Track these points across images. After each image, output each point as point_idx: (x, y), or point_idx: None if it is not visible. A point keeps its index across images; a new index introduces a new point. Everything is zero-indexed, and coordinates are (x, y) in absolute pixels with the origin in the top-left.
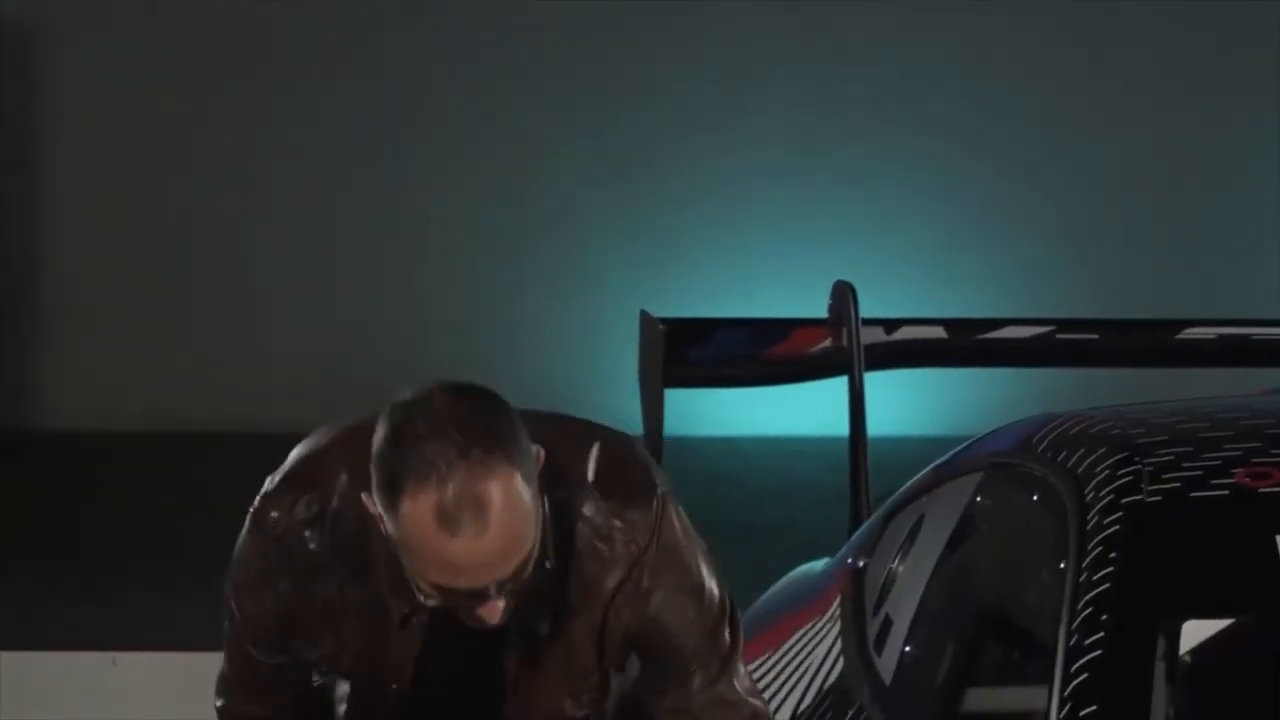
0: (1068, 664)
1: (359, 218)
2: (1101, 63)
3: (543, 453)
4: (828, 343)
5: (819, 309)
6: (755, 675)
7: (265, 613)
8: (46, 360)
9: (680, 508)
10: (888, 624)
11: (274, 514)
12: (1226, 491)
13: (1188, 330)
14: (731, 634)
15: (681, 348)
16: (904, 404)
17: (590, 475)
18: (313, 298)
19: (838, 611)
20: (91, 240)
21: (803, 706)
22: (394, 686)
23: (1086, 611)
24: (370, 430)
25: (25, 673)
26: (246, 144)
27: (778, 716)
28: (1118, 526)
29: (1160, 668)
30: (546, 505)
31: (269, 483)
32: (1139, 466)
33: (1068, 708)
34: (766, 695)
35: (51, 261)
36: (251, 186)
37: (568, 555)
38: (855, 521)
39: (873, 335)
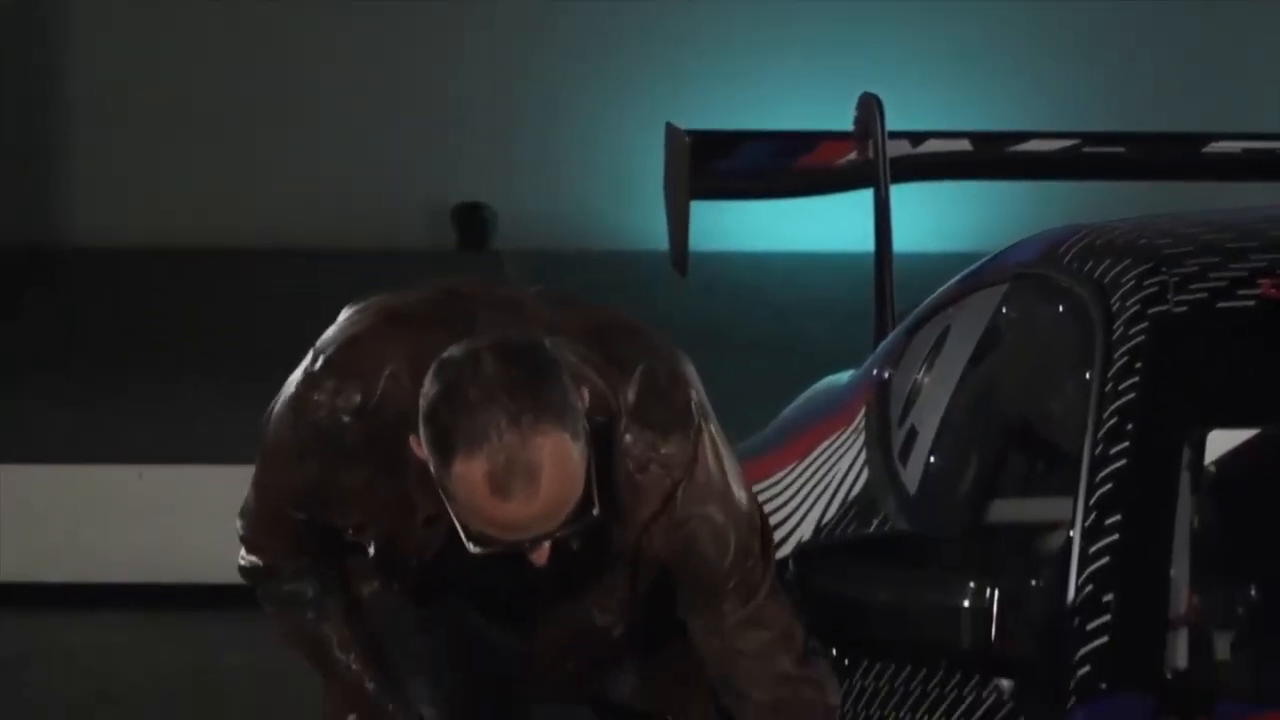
0: (1093, 474)
1: (383, 37)
2: None
3: (586, 393)
4: (853, 155)
5: (845, 122)
6: (782, 487)
7: (293, 485)
8: (76, 175)
9: (715, 427)
10: (912, 435)
11: (317, 397)
12: (1253, 302)
13: (1214, 144)
14: (764, 553)
15: (707, 160)
16: (930, 219)
17: (631, 402)
18: (335, 114)
19: (862, 423)
20: (122, 56)
21: (827, 517)
22: (414, 579)
23: (1112, 422)
24: (417, 320)
25: (54, 487)
26: None
27: (803, 527)
28: (1143, 337)
29: (1185, 477)
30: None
31: (312, 362)
32: (1165, 277)
33: (1093, 517)
34: (792, 507)
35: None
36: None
37: (605, 485)
38: (880, 335)
39: (898, 148)
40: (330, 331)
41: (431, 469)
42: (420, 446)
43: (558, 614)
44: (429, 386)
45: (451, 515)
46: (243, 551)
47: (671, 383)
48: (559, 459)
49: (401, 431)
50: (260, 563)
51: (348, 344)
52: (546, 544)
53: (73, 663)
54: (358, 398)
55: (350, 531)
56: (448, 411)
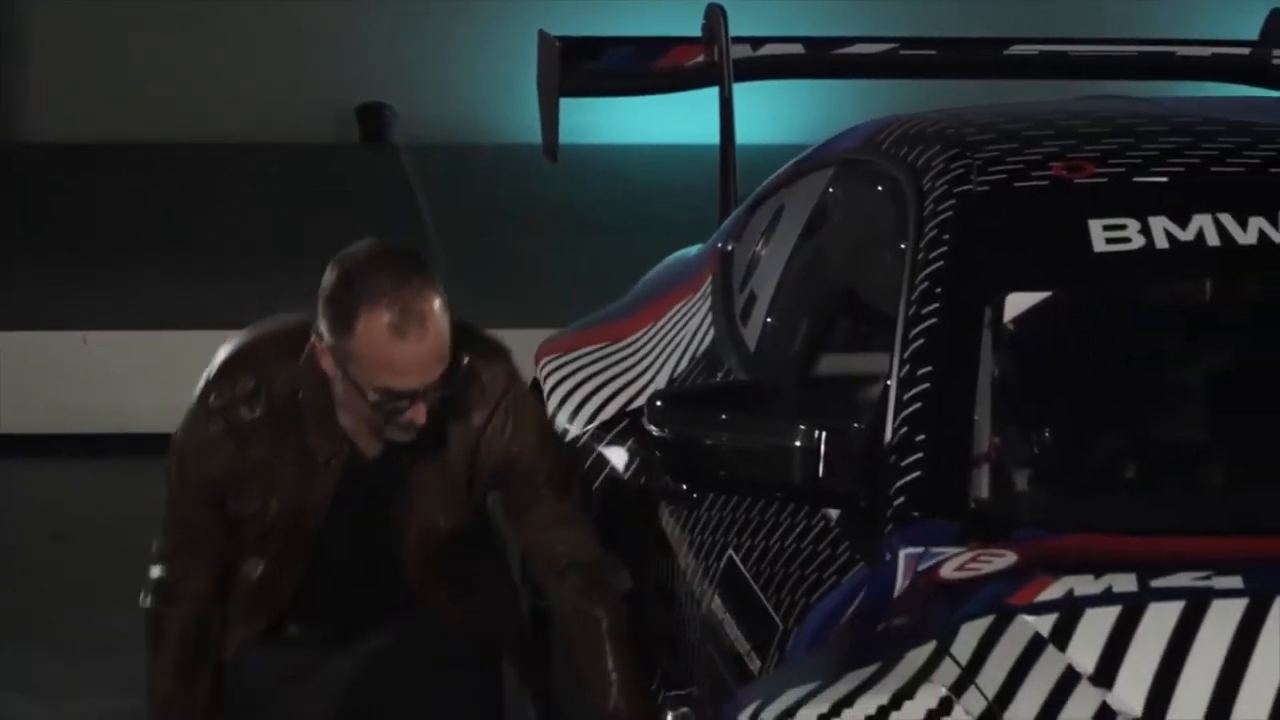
0: (907, 331)
1: None
2: None
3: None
4: (701, 58)
5: (696, 29)
6: (639, 346)
7: (209, 475)
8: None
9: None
10: (752, 299)
11: (214, 396)
12: (1045, 182)
13: (1013, 47)
14: (571, 464)
15: (575, 63)
16: (768, 113)
17: (465, 331)
18: (254, 24)
19: (709, 289)
20: None
21: (679, 370)
22: (310, 526)
23: (923, 286)
24: (287, 327)
25: (9, 350)
26: None
27: (657, 379)
28: (950, 212)
29: (987, 334)
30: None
31: (209, 372)
32: (969, 160)
33: (907, 369)
34: (647, 363)
35: None
36: None
37: (453, 382)
38: (724, 214)
39: (740, 51)
40: (217, 356)
41: (334, 352)
42: (325, 354)
43: (415, 522)
44: (326, 282)
45: (356, 386)
46: (153, 569)
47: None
48: (438, 311)
49: (293, 398)
50: (165, 579)
51: (235, 351)
52: (424, 406)
53: (28, 505)
54: (251, 383)
55: (254, 524)
56: (346, 288)
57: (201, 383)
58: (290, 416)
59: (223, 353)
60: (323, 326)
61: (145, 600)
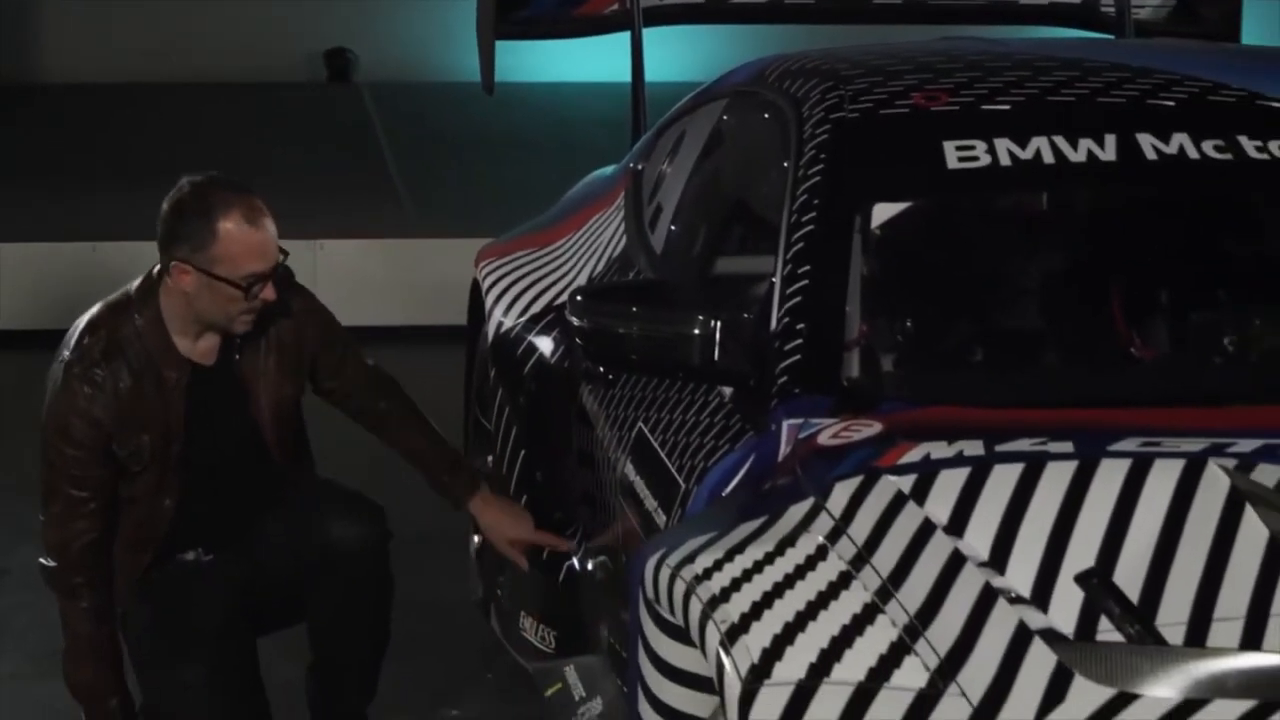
0: (789, 237)
1: None
2: None
3: None
4: (615, 6)
5: None
6: (563, 250)
7: (88, 431)
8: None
9: None
10: (658, 210)
11: (75, 366)
12: (907, 110)
13: None
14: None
15: (508, 9)
16: (674, 54)
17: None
18: None
19: (622, 203)
20: None
21: (597, 270)
22: (176, 448)
23: (803, 198)
24: (106, 301)
25: (18, 262)
26: None
27: (579, 278)
28: (826, 136)
29: (857, 239)
30: None
31: (62, 352)
32: (842, 91)
33: (789, 268)
34: (568, 265)
35: None
36: None
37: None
38: (635, 139)
39: (649, 1)
40: (66, 338)
41: (197, 266)
42: (185, 275)
43: (267, 399)
44: (169, 217)
45: (225, 282)
46: (43, 556)
47: None
48: (263, 205)
49: (137, 342)
50: (54, 566)
51: (81, 328)
52: (271, 285)
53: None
54: (100, 344)
55: (133, 459)
56: (196, 212)
57: (59, 361)
58: (138, 358)
59: (69, 335)
60: (183, 251)
61: (47, 560)
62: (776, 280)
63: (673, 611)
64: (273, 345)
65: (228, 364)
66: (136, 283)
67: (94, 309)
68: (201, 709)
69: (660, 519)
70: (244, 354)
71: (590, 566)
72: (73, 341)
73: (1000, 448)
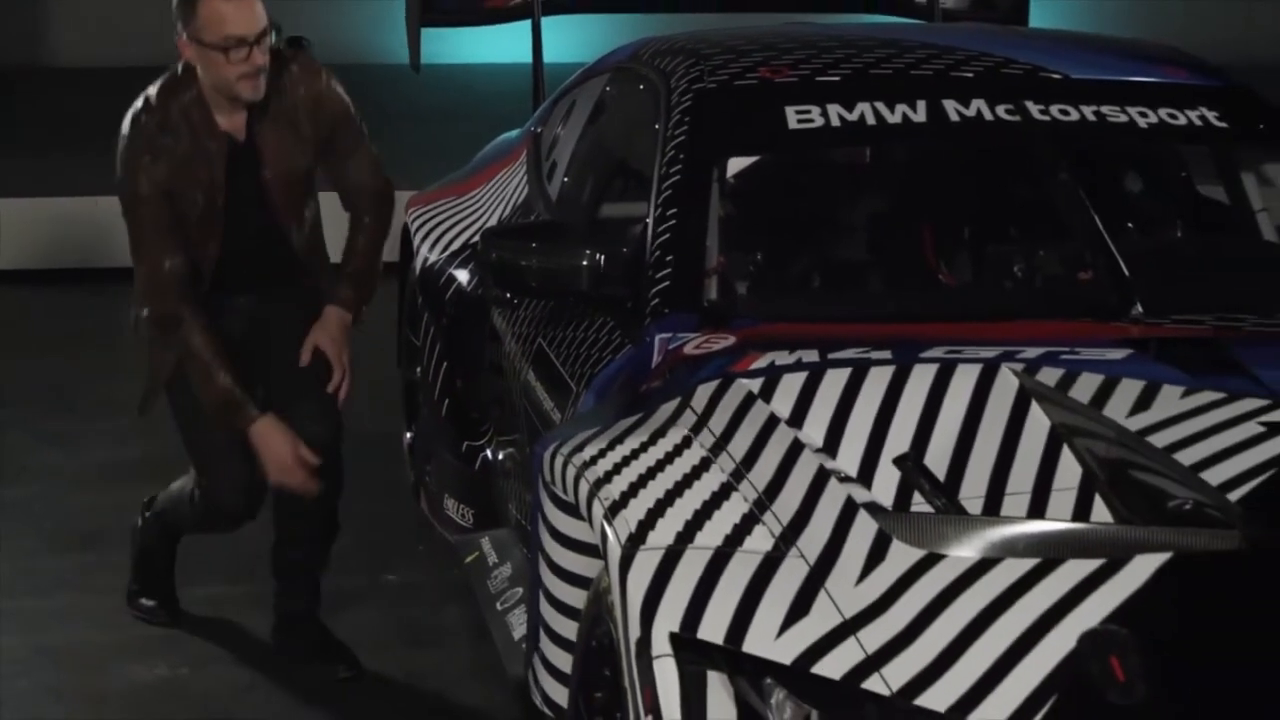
0: (659, 185)
1: None
2: None
3: None
4: None
5: None
6: (477, 198)
7: (155, 183)
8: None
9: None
10: (554, 166)
11: (135, 138)
12: (755, 81)
13: None
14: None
15: (430, 1)
16: (568, 39)
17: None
18: None
19: (524, 160)
20: None
21: (504, 215)
22: (219, 203)
23: (671, 154)
24: (157, 84)
25: (24, 216)
26: None
27: (489, 221)
28: (690, 102)
29: (715, 187)
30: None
31: (125, 130)
32: (703, 67)
33: (659, 211)
34: (480, 210)
35: None
36: None
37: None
38: (535, 108)
39: None
40: (125, 120)
41: (190, 36)
42: (186, 47)
43: (280, 166)
44: (175, 9)
45: (210, 48)
46: (142, 308)
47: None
48: None
49: (186, 115)
50: (153, 307)
51: (137, 111)
52: (259, 49)
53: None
54: (156, 119)
55: (189, 211)
56: None
57: (123, 137)
58: (188, 130)
59: (129, 115)
60: (183, 26)
61: (144, 309)
62: (649, 221)
63: (566, 491)
64: (284, 117)
65: (250, 131)
66: (180, 66)
67: (149, 90)
68: (232, 464)
69: (556, 416)
70: (260, 123)
71: (501, 456)
72: (131, 120)
73: (832, 355)
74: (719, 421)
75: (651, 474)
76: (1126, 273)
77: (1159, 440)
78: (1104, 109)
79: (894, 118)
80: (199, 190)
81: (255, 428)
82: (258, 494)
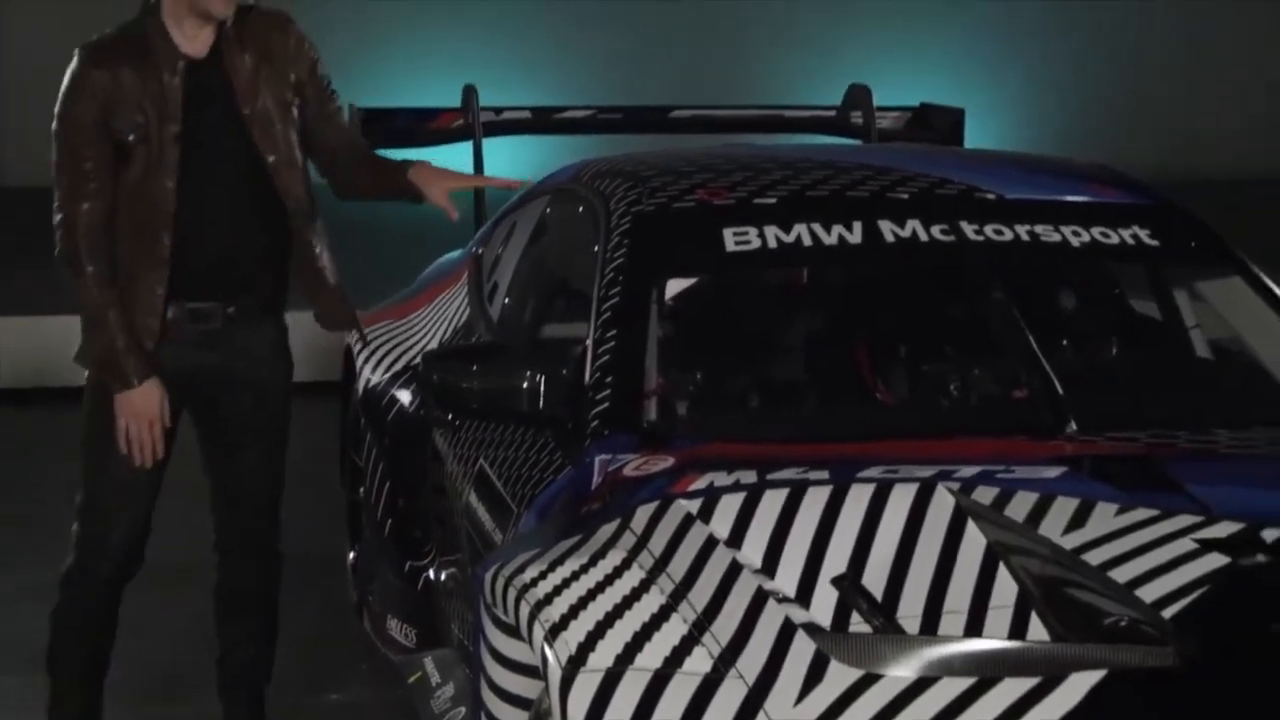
0: (599, 307)
1: None
2: None
3: None
4: (460, 122)
5: (458, 100)
6: (419, 320)
7: (93, 105)
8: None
9: None
10: (495, 287)
11: (88, 48)
12: (693, 204)
13: (675, 112)
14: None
15: (374, 124)
16: (512, 158)
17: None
18: None
19: (466, 281)
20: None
21: (446, 336)
22: (173, 129)
23: (610, 275)
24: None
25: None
26: None
27: (431, 342)
28: (629, 224)
29: (654, 308)
30: None
31: (80, 47)
32: (641, 189)
33: (599, 332)
34: (422, 332)
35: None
36: None
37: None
38: (477, 230)
39: (488, 116)
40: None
41: None
42: None
43: (256, 110)
44: None
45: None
46: (56, 215)
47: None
48: None
49: (137, 30)
50: (64, 245)
51: (103, 32)
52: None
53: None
54: (113, 32)
55: (134, 132)
56: None
57: (75, 51)
58: (141, 45)
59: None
60: None
61: (60, 244)
62: (589, 342)
63: (507, 613)
64: (256, 50)
65: (216, 58)
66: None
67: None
68: (113, 501)
69: (497, 537)
70: (229, 51)
71: (443, 577)
72: (94, 36)
73: (770, 476)
74: (658, 543)
75: (592, 595)
76: (1061, 390)
77: (1094, 558)
78: (1038, 228)
79: (830, 239)
80: (142, 113)
81: (130, 393)
82: (137, 549)
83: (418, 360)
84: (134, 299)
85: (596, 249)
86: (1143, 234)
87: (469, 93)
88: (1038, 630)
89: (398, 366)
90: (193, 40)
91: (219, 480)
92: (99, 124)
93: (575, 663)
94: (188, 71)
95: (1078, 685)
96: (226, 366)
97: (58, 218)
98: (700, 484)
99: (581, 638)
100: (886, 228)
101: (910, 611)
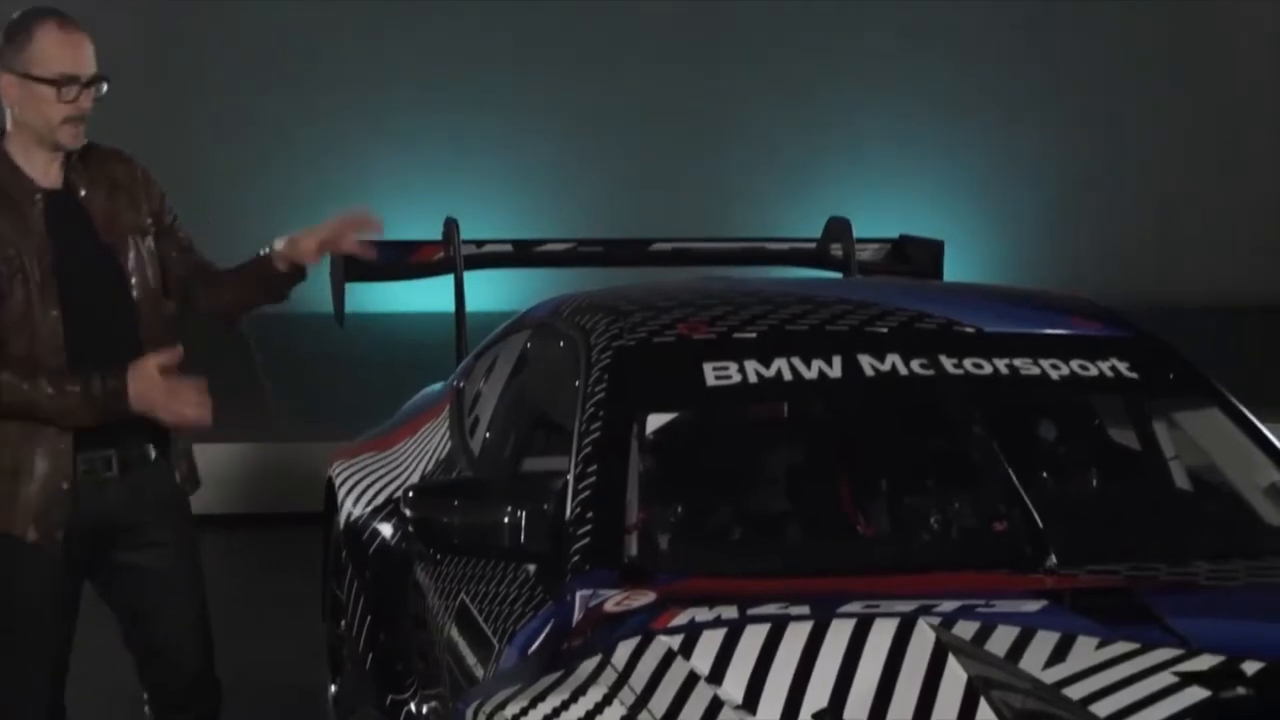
0: (580, 441)
1: None
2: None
3: None
4: (441, 255)
5: (438, 233)
6: (400, 453)
7: None
8: None
9: None
10: (477, 421)
11: None
12: (673, 339)
13: (655, 245)
14: None
15: (353, 258)
16: (494, 290)
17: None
18: None
19: (448, 414)
20: None
21: (427, 470)
22: (46, 259)
23: (591, 410)
24: None
25: None
26: None
27: (413, 476)
28: (609, 359)
29: (635, 443)
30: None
31: None
32: (621, 324)
33: (580, 467)
34: (404, 465)
35: None
36: None
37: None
38: (458, 362)
39: (469, 249)
40: None
41: (16, 70)
42: (10, 84)
43: (117, 233)
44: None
45: (40, 81)
46: None
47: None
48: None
49: None
50: None
51: None
52: (90, 93)
53: None
54: None
55: (2, 265)
56: (17, 25)
57: None
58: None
59: None
60: (8, 61)
61: None
62: (570, 477)
63: None
64: (105, 182)
65: (70, 188)
66: None
67: None
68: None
69: (479, 672)
70: (80, 181)
71: (425, 711)
72: None
73: (751, 611)
74: (639, 679)
75: None
76: (1040, 524)
77: (1075, 692)
78: (1017, 362)
79: (810, 373)
80: (12, 246)
81: (130, 389)
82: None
83: (399, 493)
84: (34, 449)
85: (577, 383)
86: (1121, 366)
87: (450, 226)
88: None
89: (379, 500)
90: (45, 173)
91: (141, 643)
92: None
93: None
94: (48, 203)
95: None
96: (130, 517)
97: None
98: (681, 619)
99: None
100: (866, 362)
101: None
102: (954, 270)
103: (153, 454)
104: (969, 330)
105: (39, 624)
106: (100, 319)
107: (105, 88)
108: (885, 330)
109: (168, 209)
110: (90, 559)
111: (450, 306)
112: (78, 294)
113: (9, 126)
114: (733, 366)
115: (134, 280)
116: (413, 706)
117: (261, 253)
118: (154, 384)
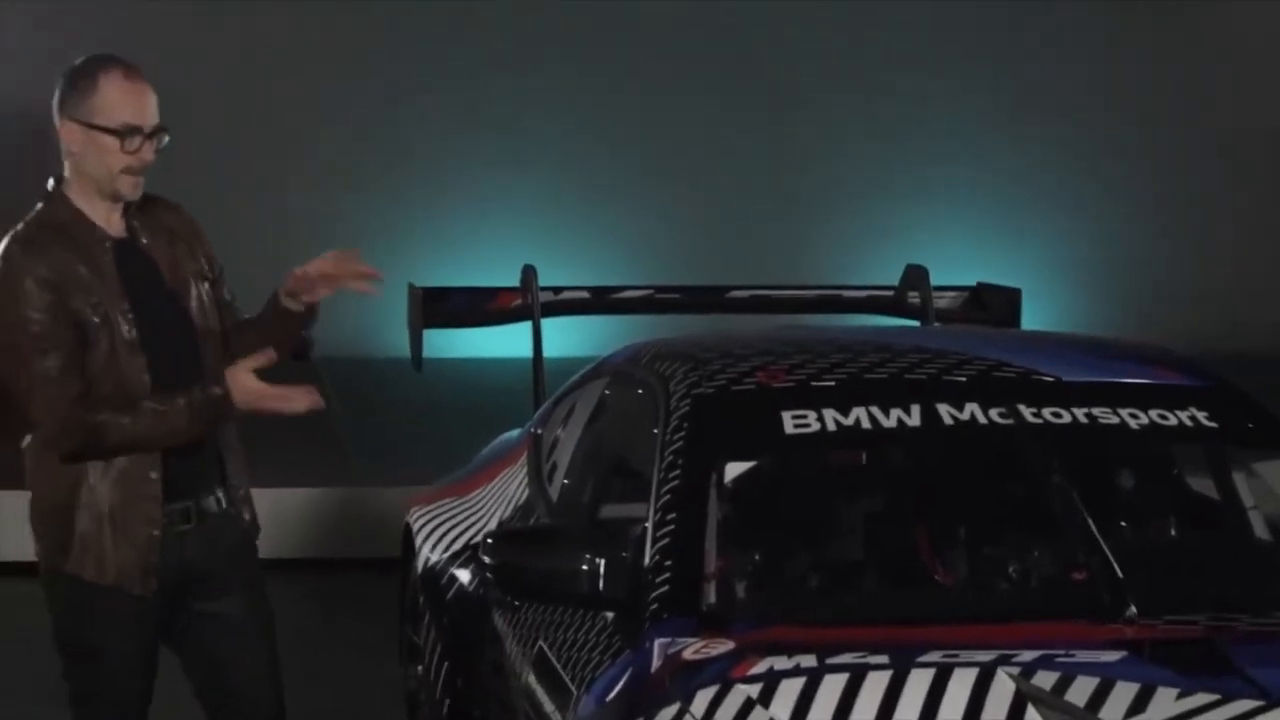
0: (659, 489)
1: None
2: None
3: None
4: (519, 301)
5: (516, 280)
6: (478, 499)
7: (42, 291)
8: None
9: None
10: (554, 467)
11: (13, 243)
12: (753, 386)
13: (733, 291)
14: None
15: (433, 304)
16: (571, 336)
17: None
18: None
19: (525, 461)
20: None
21: (505, 516)
22: (122, 304)
23: (670, 458)
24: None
25: None
26: None
27: (490, 522)
28: (688, 407)
29: (714, 491)
30: None
31: (2, 243)
32: (700, 371)
33: (659, 515)
34: (481, 511)
35: None
36: None
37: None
38: (536, 408)
39: (547, 296)
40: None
41: (81, 118)
42: (74, 131)
43: (179, 281)
44: (63, 88)
45: (103, 130)
46: (59, 432)
47: None
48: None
49: (58, 220)
50: (59, 429)
51: (15, 229)
52: (151, 144)
53: None
54: (32, 225)
55: (91, 313)
56: (83, 73)
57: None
58: (64, 230)
59: (7, 235)
60: (71, 109)
61: (67, 447)
62: (649, 525)
63: None
64: (164, 229)
65: (133, 236)
66: (51, 181)
67: (16, 226)
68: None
69: (557, 719)
70: (142, 230)
71: None
72: (8, 235)
73: (830, 660)
74: None
75: None
76: (1120, 574)
77: None
78: (1096, 411)
79: (889, 422)
80: (93, 293)
81: (233, 388)
82: None
83: (477, 540)
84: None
85: (656, 431)
86: (1200, 415)
87: (528, 273)
88: None
89: (457, 545)
90: (109, 221)
91: (216, 692)
92: (58, 306)
93: None
94: (116, 249)
95: None
96: (205, 566)
97: (39, 408)
98: (760, 668)
99: None
100: (945, 411)
101: None
102: (1031, 318)
103: (223, 502)
104: (1048, 379)
105: (129, 681)
106: (176, 364)
107: (167, 139)
108: (964, 379)
109: (215, 258)
110: (169, 611)
111: (528, 352)
112: (154, 340)
113: (68, 174)
114: (811, 415)
115: (199, 324)
116: None
117: (274, 296)
118: (253, 380)
